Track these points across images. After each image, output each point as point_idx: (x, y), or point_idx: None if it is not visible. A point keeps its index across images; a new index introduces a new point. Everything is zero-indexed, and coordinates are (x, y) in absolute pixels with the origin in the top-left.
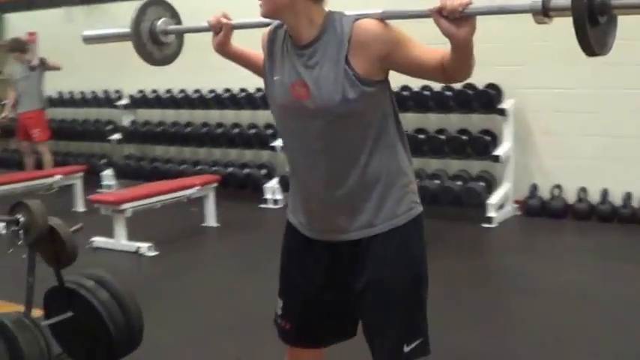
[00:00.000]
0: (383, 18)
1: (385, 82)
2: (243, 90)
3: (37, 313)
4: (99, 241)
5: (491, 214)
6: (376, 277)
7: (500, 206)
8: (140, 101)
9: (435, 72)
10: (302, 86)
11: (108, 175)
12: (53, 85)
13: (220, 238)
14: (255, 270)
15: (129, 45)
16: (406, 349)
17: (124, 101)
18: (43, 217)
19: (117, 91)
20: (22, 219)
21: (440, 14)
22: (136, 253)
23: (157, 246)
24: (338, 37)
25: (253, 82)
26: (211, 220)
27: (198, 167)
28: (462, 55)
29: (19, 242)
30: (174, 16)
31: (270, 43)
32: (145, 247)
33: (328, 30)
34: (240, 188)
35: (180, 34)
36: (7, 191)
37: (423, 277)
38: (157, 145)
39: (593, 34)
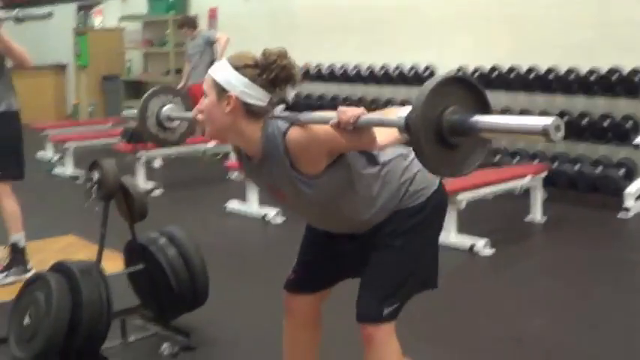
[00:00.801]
0: (302, 123)
1: (335, 162)
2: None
3: None
4: (232, 205)
5: (628, 203)
6: (379, 243)
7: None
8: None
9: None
10: (277, 190)
11: None
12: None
13: None
14: None
15: (297, 23)
16: (386, 311)
17: None
18: (114, 176)
19: None
20: (96, 176)
21: (338, 127)
22: (263, 219)
23: (288, 213)
24: (279, 153)
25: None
26: None
27: None
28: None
29: (93, 196)
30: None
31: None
32: (272, 214)
33: (269, 147)
34: None
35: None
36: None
37: (416, 255)
38: None
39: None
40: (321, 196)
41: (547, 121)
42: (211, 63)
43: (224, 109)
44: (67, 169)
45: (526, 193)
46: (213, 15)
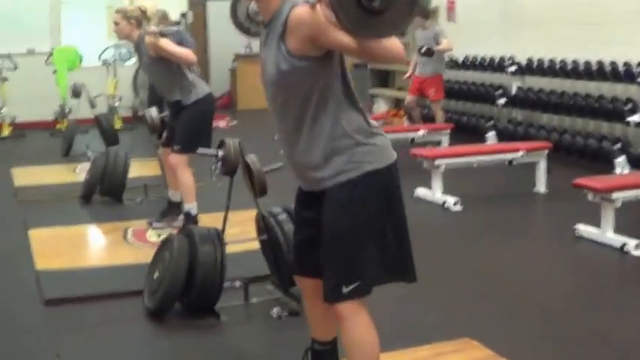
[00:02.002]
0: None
1: (323, 58)
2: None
3: None
4: (420, 191)
5: None
6: (326, 220)
7: None
8: (527, 69)
9: (357, 55)
10: (263, 61)
11: (491, 136)
12: (463, 50)
13: (537, 205)
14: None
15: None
16: (345, 289)
17: (513, 68)
18: (236, 153)
19: (509, 58)
20: (220, 153)
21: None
22: (443, 206)
23: (468, 203)
24: (281, 20)
25: None
26: (541, 186)
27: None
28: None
29: (217, 172)
30: None
31: None
32: (451, 201)
33: (279, 13)
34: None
35: None
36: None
37: (365, 227)
38: (540, 112)
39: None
40: (289, 82)
41: None
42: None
43: None
44: None
45: None
46: (452, 7)
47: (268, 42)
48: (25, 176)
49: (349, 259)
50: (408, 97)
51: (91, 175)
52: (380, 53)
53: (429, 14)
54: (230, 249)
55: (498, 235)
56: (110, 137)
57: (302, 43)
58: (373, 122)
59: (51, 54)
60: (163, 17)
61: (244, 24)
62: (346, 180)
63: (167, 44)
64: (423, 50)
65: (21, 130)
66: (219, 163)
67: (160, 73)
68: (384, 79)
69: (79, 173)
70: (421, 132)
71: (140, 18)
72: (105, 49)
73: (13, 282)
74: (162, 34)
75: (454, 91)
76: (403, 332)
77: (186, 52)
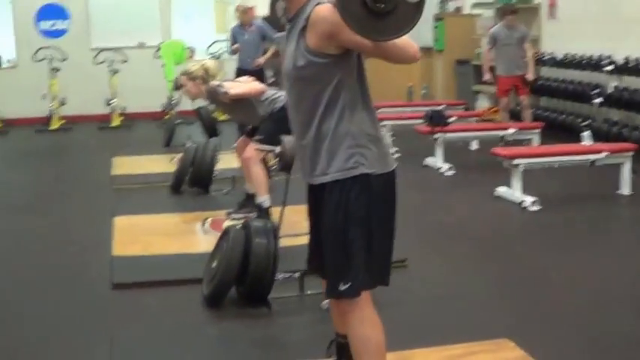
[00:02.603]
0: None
1: (340, 57)
2: None
3: None
4: (500, 190)
5: None
6: (323, 219)
7: None
8: (624, 68)
9: (372, 54)
10: (284, 52)
11: (587, 136)
12: (563, 47)
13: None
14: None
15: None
16: (341, 287)
17: (611, 67)
18: (292, 151)
19: (607, 57)
20: (277, 150)
21: None
22: (520, 205)
23: (547, 203)
24: (304, 16)
25: None
26: (625, 188)
27: None
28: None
29: (274, 167)
30: None
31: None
32: (529, 201)
33: (303, 10)
34: None
35: None
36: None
37: (356, 229)
38: (636, 112)
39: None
40: (304, 77)
41: None
42: (517, 53)
43: None
44: None
45: None
46: (553, 3)
47: (290, 37)
48: (123, 165)
49: (342, 259)
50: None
51: (180, 166)
52: (395, 52)
53: (516, 10)
54: (289, 242)
55: (573, 237)
56: (210, 129)
57: (321, 39)
58: (380, 127)
59: (159, 48)
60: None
61: (281, 20)
62: (343, 179)
63: (235, 93)
64: None
65: (130, 120)
66: (277, 160)
67: (238, 110)
68: None
69: (174, 164)
70: (511, 130)
71: (204, 76)
72: (212, 43)
73: (89, 266)
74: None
75: (551, 89)
76: (449, 329)
77: (250, 88)
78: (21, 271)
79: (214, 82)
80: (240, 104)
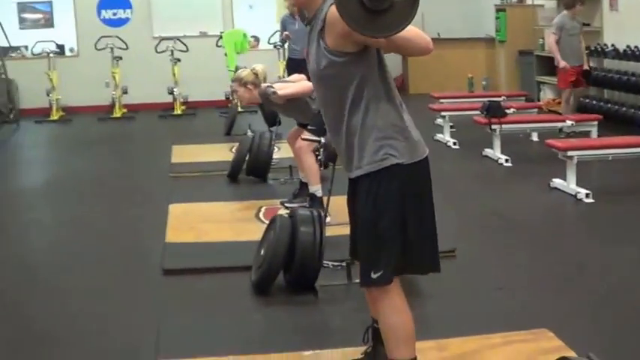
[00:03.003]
0: None
1: (360, 54)
2: None
3: None
4: (556, 182)
5: None
6: (357, 210)
7: None
8: None
9: (386, 49)
10: (308, 54)
11: None
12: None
13: None
14: None
15: None
16: (373, 275)
17: None
18: None
19: None
20: (322, 141)
21: None
22: (575, 197)
23: (602, 196)
24: (321, 17)
25: None
26: None
27: None
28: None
29: (319, 157)
30: None
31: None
32: (583, 193)
33: (320, 11)
34: None
35: None
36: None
37: (388, 219)
38: None
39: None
40: (327, 76)
41: None
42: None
43: None
44: (445, 135)
45: None
46: None
47: (311, 38)
48: (182, 153)
49: (374, 248)
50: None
51: (238, 155)
52: (408, 46)
53: (584, 1)
54: (339, 231)
55: (625, 230)
56: (270, 118)
57: (338, 38)
58: (407, 118)
59: (220, 37)
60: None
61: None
62: (375, 170)
63: (284, 94)
64: None
65: (193, 109)
66: (322, 150)
67: (293, 109)
68: (551, 66)
69: (234, 152)
70: (569, 122)
71: (255, 81)
72: (274, 33)
73: (142, 252)
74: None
75: (612, 82)
76: (490, 319)
77: (299, 87)
78: (79, 254)
79: (264, 85)
80: (294, 103)
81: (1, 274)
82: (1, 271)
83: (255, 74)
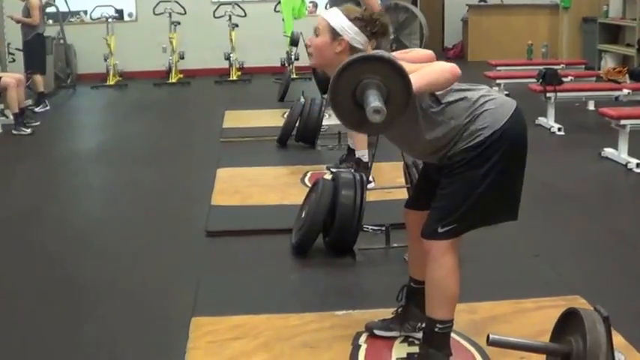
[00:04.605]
0: None
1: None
2: None
3: None
4: (607, 151)
5: None
6: (446, 174)
7: None
8: None
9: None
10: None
11: None
12: None
13: None
14: None
15: None
16: (440, 229)
17: None
18: None
19: None
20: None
21: None
22: (626, 166)
23: None
24: None
25: None
26: None
27: None
28: None
29: None
30: None
31: None
32: (634, 163)
33: None
34: None
35: None
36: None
37: (472, 186)
38: None
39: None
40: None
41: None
42: None
43: (335, 49)
44: None
45: None
46: None
47: None
48: (235, 118)
49: (455, 206)
50: None
51: (288, 121)
52: (434, 88)
53: None
54: (381, 196)
55: None
56: (323, 85)
57: None
58: (479, 88)
59: (278, 2)
60: None
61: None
62: (463, 149)
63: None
64: None
65: (248, 74)
66: None
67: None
68: (615, 34)
69: (285, 118)
70: (625, 91)
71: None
72: None
73: (189, 214)
74: None
75: None
76: (525, 284)
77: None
78: (128, 216)
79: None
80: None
81: (52, 233)
82: (51, 230)
83: None
